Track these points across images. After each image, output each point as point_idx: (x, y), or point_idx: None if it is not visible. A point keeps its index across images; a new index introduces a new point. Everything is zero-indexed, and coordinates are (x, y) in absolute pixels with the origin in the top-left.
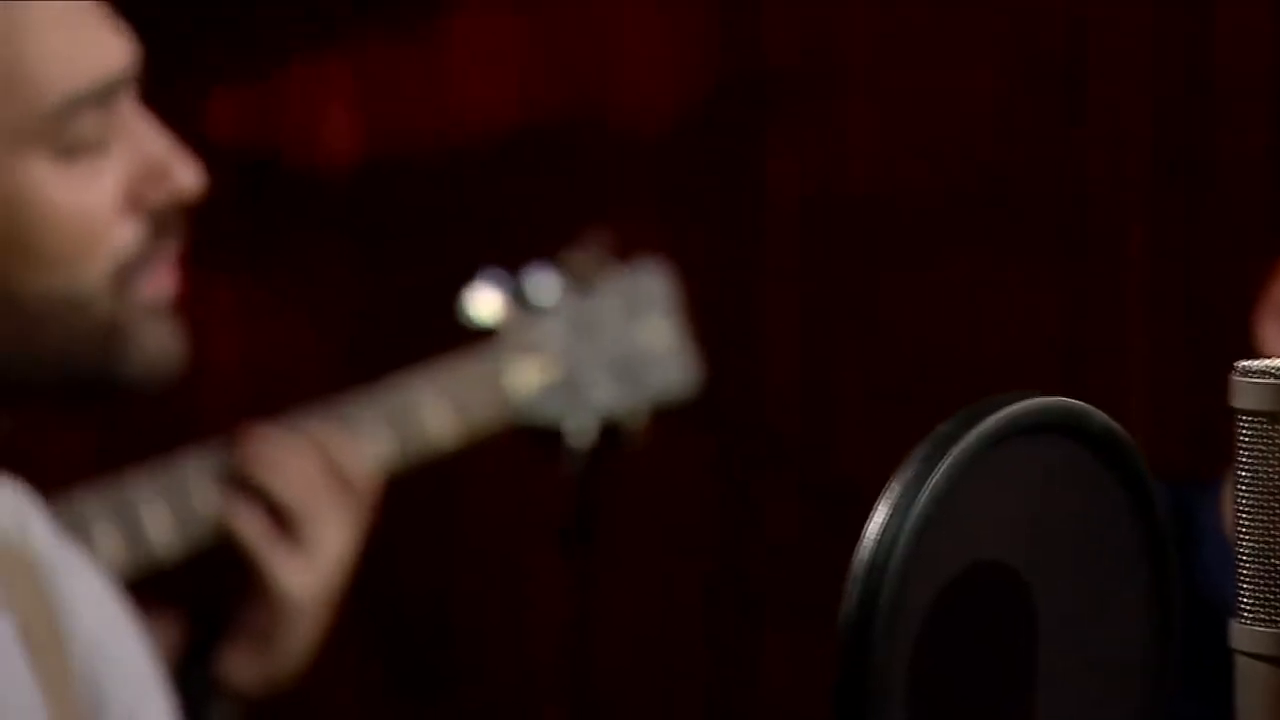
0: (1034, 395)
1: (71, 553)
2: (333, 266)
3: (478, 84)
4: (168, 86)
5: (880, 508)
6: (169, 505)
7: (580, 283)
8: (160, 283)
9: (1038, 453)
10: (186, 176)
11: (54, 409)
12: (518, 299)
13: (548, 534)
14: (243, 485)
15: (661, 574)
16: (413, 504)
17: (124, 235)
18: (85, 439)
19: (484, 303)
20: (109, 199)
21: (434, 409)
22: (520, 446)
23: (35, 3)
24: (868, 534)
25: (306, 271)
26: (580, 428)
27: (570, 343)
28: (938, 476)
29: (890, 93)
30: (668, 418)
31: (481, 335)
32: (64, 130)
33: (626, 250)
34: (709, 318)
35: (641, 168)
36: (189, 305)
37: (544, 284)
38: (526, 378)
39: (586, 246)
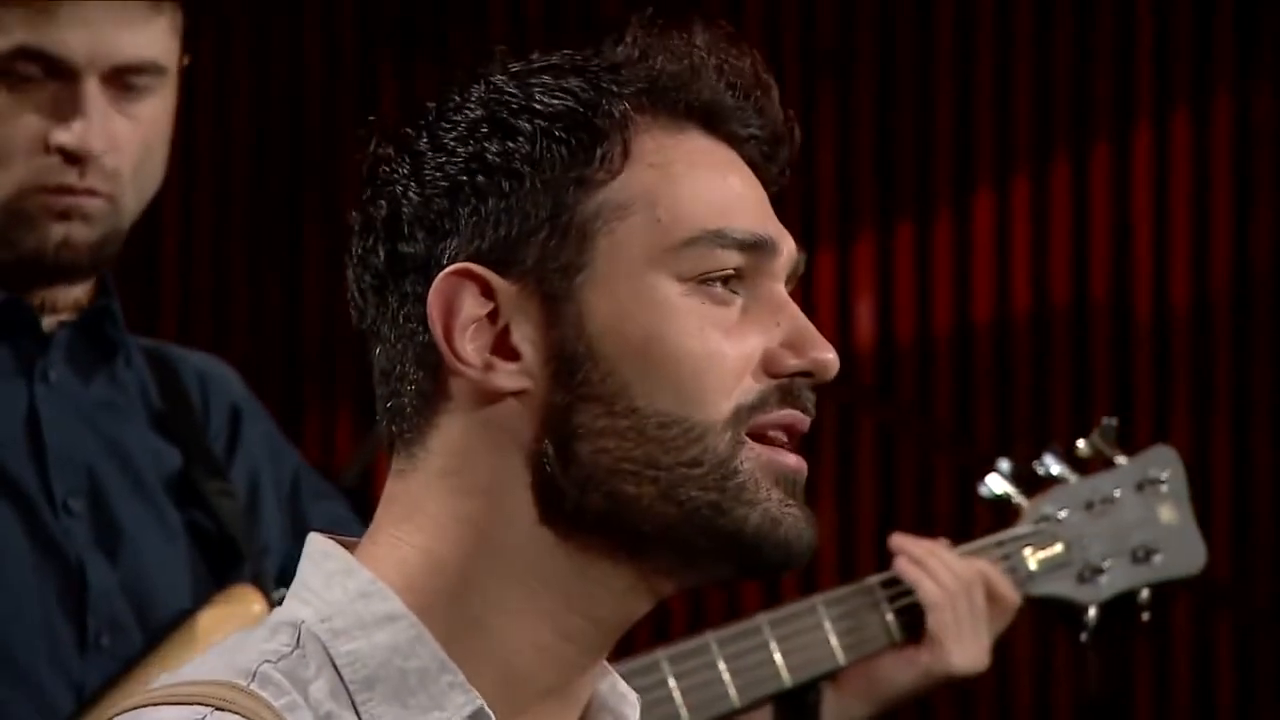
0: None
1: None
2: (858, 445)
3: (994, 271)
4: None
5: None
6: (737, 663)
7: (1092, 466)
8: (781, 456)
9: None
10: (825, 354)
11: (683, 569)
12: (1031, 481)
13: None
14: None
15: None
16: None
17: (750, 386)
18: None
19: (999, 483)
20: (744, 351)
21: None
22: (1043, 621)
23: (717, 155)
24: None
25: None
26: (1090, 603)
27: (1082, 522)
28: None
29: None
30: (1191, 605)
31: (998, 514)
32: (692, 262)
33: (1143, 439)
34: (1234, 509)
35: (1159, 359)
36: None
37: (1057, 467)
38: (1039, 555)
39: (1098, 433)
